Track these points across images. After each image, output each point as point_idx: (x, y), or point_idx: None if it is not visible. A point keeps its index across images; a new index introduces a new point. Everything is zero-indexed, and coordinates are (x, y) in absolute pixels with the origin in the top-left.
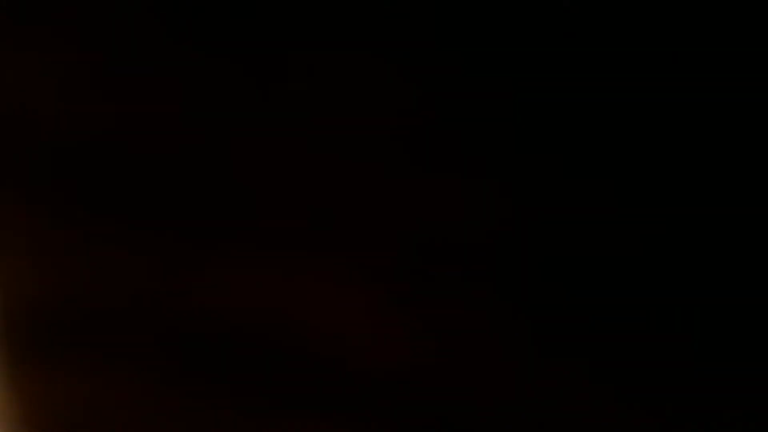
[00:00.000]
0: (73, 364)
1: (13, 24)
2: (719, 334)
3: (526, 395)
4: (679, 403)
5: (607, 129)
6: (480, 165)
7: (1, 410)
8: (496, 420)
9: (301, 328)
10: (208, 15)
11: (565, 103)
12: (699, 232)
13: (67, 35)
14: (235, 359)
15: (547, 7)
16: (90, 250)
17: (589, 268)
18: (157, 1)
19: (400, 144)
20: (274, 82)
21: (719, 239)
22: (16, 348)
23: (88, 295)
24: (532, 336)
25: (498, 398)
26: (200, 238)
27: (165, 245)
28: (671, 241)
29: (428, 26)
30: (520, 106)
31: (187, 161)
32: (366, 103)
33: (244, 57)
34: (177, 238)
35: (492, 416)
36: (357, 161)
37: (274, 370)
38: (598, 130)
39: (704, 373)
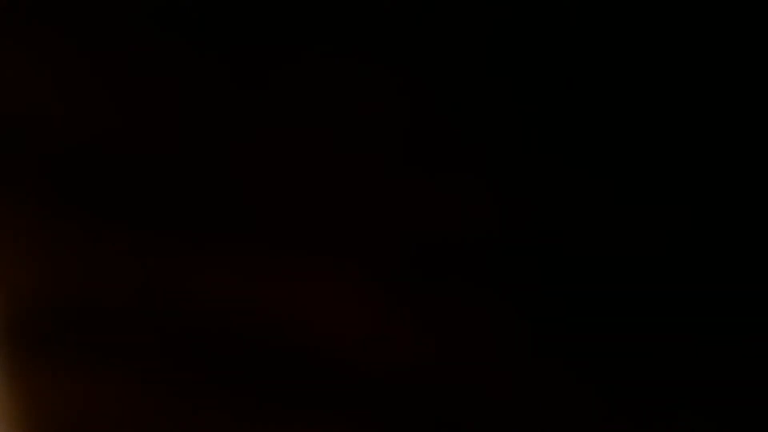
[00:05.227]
0: (73, 364)
1: (13, 24)
2: (719, 334)
3: (526, 395)
4: (678, 402)
5: (607, 129)
6: (480, 165)
7: (1, 410)
8: (495, 420)
9: (301, 328)
10: (208, 16)
11: (565, 103)
12: (698, 232)
13: (67, 35)
14: (235, 359)
15: (546, 5)
16: (90, 250)
17: (589, 268)
18: (157, 2)
19: (400, 144)
20: (274, 83)
21: (719, 239)
22: (16, 348)
23: (87, 295)
24: (532, 336)
25: (497, 398)
26: (200, 239)
27: (165, 245)
28: (671, 240)
29: (426, 28)
30: (519, 105)
31: (188, 162)
32: (364, 105)
33: (243, 58)
34: (177, 238)
35: (491, 416)
36: (356, 161)
37: (273, 370)
38: (598, 130)
39: (704, 372)
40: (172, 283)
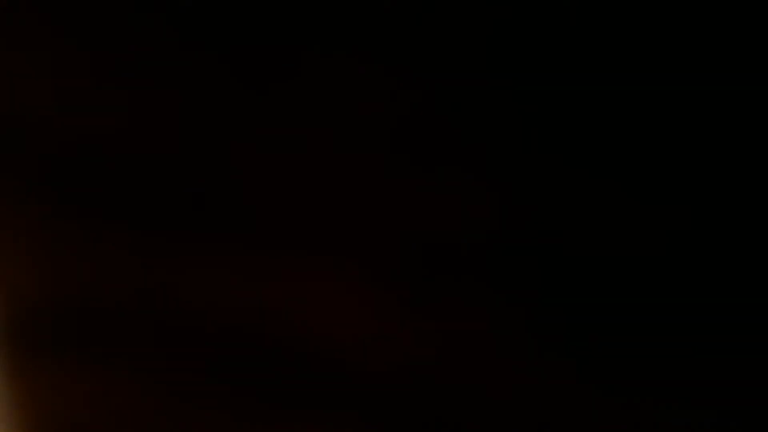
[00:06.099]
0: (73, 364)
1: (12, 24)
2: (719, 334)
3: (526, 395)
4: (677, 401)
5: (608, 129)
6: (480, 165)
7: (1, 410)
8: (495, 420)
9: (301, 328)
10: (207, 16)
11: (566, 103)
12: (699, 232)
13: (67, 35)
14: (235, 359)
15: (547, 5)
16: (90, 250)
17: (589, 268)
18: (156, 2)
19: (401, 144)
20: (274, 83)
21: (719, 239)
22: (16, 348)
23: (87, 295)
24: (532, 336)
25: (497, 398)
26: (200, 239)
27: (165, 246)
28: (671, 241)
29: (426, 28)
30: (520, 105)
31: (188, 162)
32: (364, 105)
33: (243, 58)
34: (177, 238)
35: (492, 416)
36: (356, 161)
37: (273, 370)
38: (598, 130)
39: (703, 372)
40: (171, 283)
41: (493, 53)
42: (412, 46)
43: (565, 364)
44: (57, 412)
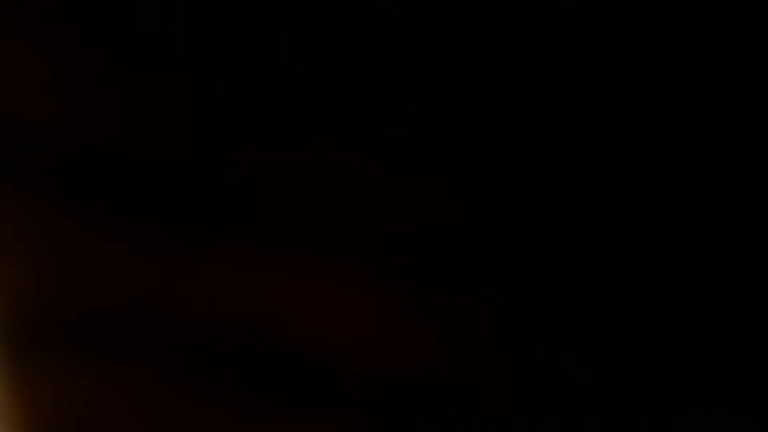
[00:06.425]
0: (73, 364)
1: (12, 24)
2: (718, 333)
3: (526, 395)
4: (676, 401)
5: (607, 130)
6: (481, 167)
7: (1, 410)
8: (495, 420)
9: (301, 329)
10: (208, 16)
11: (565, 105)
12: (696, 232)
13: (67, 35)
14: (235, 359)
15: (547, 7)
16: (89, 250)
17: (588, 268)
18: (157, 2)
19: (401, 147)
20: (275, 83)
21: (718, 239)
22: (15, 348)
23: (87, 295)
24: (532, 336)
25: (497, 398)
26: (200, 239)
27: (164, 246)
28: (669, 240)
29: (426, 29)
30: (518, 106)
31: (187, 162)
32: (366, 107)
33: (245, 58)
34: (177, 238)
35: (492, 416)
36: (355, 163)
37: (273, 371)
38: (597, 132)
39: (703, 372)
40: (171, 283)
41: (493, 55)
42: (414, 47)
43: (565, 364)
44: (57, 412)
